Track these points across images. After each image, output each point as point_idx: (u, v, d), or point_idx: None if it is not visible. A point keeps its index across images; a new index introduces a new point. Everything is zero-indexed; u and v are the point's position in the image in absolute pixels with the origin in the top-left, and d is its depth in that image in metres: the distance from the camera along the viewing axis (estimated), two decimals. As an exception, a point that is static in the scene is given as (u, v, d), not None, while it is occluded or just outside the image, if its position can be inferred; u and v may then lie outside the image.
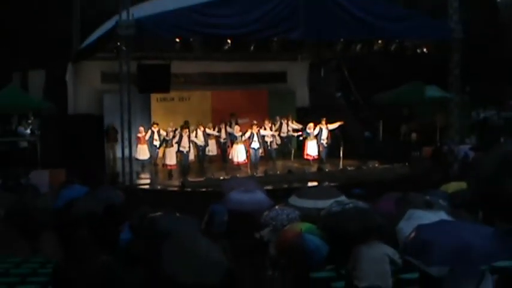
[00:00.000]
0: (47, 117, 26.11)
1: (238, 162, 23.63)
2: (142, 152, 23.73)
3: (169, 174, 22.58)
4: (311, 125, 24.76)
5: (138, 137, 23.54)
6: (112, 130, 25.30)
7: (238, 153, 23.66)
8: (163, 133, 23.24)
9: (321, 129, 24.59)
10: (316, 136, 24.59)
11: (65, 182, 18.04)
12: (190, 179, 21.56)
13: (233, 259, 10.01)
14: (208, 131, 24.46)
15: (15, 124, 29.63)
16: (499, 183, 6.94)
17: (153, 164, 24.47)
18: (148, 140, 23.72)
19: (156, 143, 23.65)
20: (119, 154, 23.29)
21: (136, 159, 23.32)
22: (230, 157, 24.34)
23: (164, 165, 23.09)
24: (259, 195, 13.33)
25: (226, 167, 24.24)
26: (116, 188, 17.26)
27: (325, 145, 24.49)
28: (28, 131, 27.98)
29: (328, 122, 24.66)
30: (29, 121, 28.97)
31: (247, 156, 23.60)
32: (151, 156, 24.07)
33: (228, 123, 25.50)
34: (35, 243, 12.68)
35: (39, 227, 12.47)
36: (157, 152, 24.07)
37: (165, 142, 22.77)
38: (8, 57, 30.04)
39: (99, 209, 11.34)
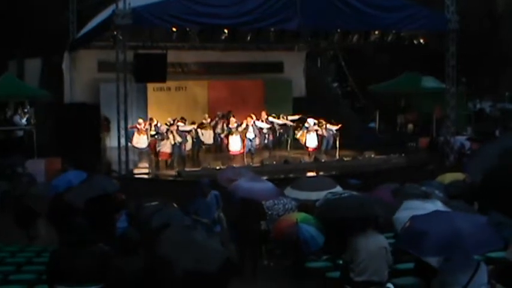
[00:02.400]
0: (43, 106, 26.08)
1: (233, 152, 23.60)
2: (141, 141, 23.72)
3: (166, 164, 22.55)
4: (310, 120, 24.46)
5: (137, 128, 23.46)
6: (104, 120, 25.28)
7: (233, 144, 23.61)
8: (159, 125, 23.18)
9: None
10: (315, 129, 24.37)
11: (61, 170, 18.16)
12: (186, 168, 21.56)
13: (235, 248, 10.07)
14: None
15: (10, 113, 29.62)
16: (500, 174, 6.97)
17: (150, 153, 24.42)
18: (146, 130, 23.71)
19: (152, 133, 23.49)
20: (111, 144, 23.29)
21: (134, 147, 23.35)
22: (228, 147, 24.13)
23: (158, 152, 22.66)
24: (268, 184, 13.34)
25: (221, 156, 24.21)
26: (111, 177, 17.32)
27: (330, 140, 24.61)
28: (24, 120, 27.96)
29: (327, 122, 24.66)
30: (25, 110, 28.95)
31: (242, 146, 23.54)
32: (149, 145, 23.88)
33: (225, 118, 25.39)
34: (31, 231, 12.73)
35: (35, 215, 12.51)
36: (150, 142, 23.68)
37: (160, 135, 22.58)
38: (4, 45, 29.96)
39: (95, 198, 11.37)
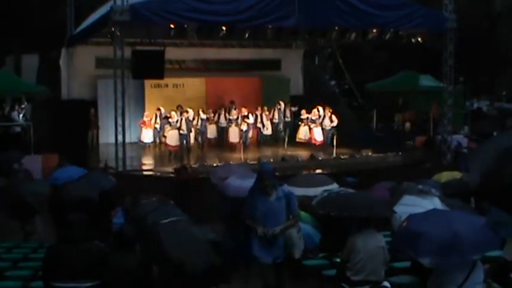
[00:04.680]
0: (40, 102, 26.06)
1: (231, 142, 25.00)
2: (147, 136, 24.99)
3: (170, 156, 23.47)
4: (315, 111, 25.57)
5: (144, 121, 24.95)
6: (92, 117, 25.37)
7: (232, 135, 25.11)
8: (167, 115, 24.38)
9: (324, 116, 25.47)
10: (321, 122, 25.50)
11: (57, 166, 18.09)
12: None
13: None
14: (202, 115, 25.14)
15: (7, 109, 29.56)
16: (501, 173, 6.98)
17: (156, 147, 25.45)
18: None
19: (158, 126, 24.85)
20: (108, 139, 23.38)
21: (142, 142, 25.03)
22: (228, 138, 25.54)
23: (166, 145, 24.04)
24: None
25: (222, 152, 24.42)
26: (108, 173, 17.32)
27: (330, 129, 25.34)
28: (21, 115, 27.91)
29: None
30: (22, 106, 28.90)
31: (240, 138, 24.84)
32: (154, 139, 25.26)
33: (227, 110, 25.92)
34: (28, 227, 12.71)
35: (32, 211, 12.49)
36: (161, 134, 24.99)
37: (169, 124, 23.80)
38: (1, 40, 29.90)
39: (92, 194, 11.36)
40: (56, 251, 7.36)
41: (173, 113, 23.96)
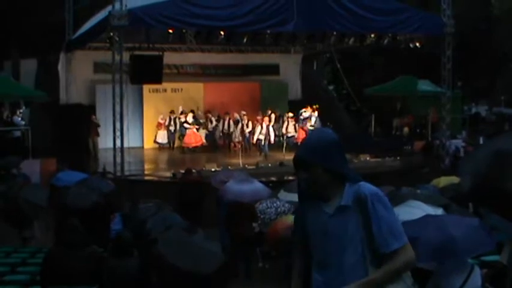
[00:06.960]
0: (39, 107, 26.07)
1: (234, 143, 26.12)
2: (162, 136, 26.56)
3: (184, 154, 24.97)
4: (308, 108, 26.47)
5: (159, 123, 26.41)
6: (94, 125, 25.35)
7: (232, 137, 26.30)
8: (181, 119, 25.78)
9: (310, 116, 26.18)
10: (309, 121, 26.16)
11: (56, 170, 18.10)
12: (181, 170, 21.54)
13: (230, 250, 9.97)
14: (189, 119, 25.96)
15: (6, 113, 29.59)
16: (495, 177, 6.98)
17: (171, 148, 26.62)
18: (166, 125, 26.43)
19: (172, 128, 26.13)
20: (106, 144, 23.43)
21: (156, 143, 26.64)
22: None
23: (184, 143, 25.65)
24: (257, 185, 13.21)
25: (221, 157, 24.51)
26: (106, 178, 17.30)
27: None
28: (19, 119, 27.94)
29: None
30: (20, 110, 28.94)
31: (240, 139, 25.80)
32: (169, 140, 26.53)
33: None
34: (27, 233, 12.69)
35: (28, 219, 12.47)
36: (175, 135, 26.32)
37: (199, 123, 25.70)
38: (-1, 45, 29.91)
39: (90, 199, 11.34)
40: (54, 256, 7.36)
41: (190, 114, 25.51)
